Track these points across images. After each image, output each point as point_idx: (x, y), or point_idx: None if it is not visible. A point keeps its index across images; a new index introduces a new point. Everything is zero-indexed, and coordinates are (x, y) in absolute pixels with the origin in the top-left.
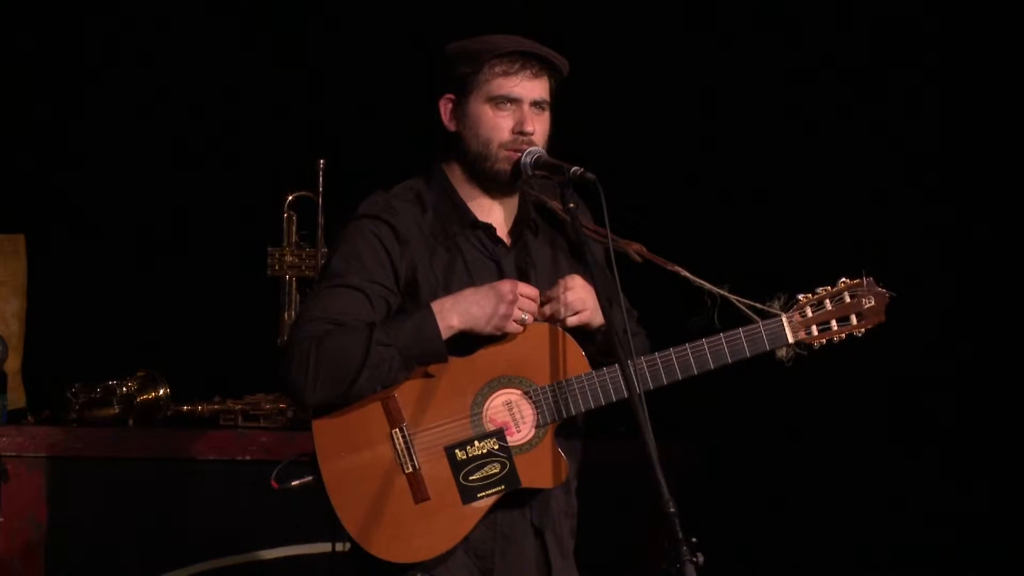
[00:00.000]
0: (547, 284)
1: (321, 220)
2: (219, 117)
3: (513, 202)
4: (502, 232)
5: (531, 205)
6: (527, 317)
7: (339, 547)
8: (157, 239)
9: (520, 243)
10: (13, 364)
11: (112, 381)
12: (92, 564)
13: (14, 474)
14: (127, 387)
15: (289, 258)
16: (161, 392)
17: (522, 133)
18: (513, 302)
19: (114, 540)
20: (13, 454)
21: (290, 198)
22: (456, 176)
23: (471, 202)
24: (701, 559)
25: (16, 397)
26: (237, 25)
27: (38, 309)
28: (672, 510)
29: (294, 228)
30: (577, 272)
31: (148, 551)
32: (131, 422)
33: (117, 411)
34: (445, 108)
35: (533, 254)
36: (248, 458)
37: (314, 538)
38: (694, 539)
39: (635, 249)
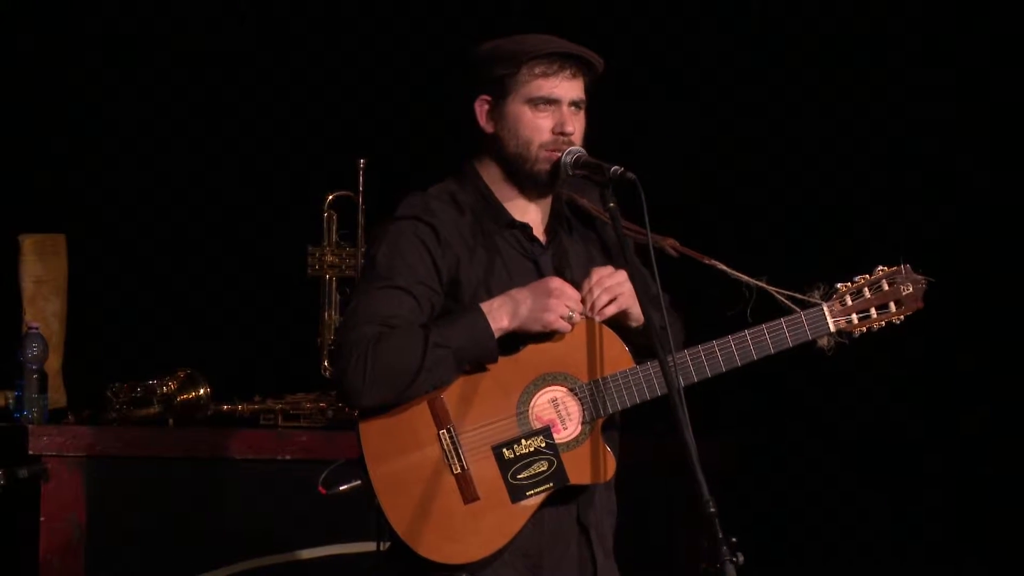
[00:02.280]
0: (583, 281)
1: (361, 220)
2: (259, 116)
3: (547, 201)
4: (538, 231)
5: (564, 203)
6: (575, 315)
7: (382, 546)
8: (197, 238)
9: (555, 242)
10: (54, 364)
11: (152, 380)
12: (132, 564)
13: (54, 474)
14: (167, 387)
15: (329, 258)
16: (201, 391)
17: (562, 134)
18: (559, 297)
19: (154, 540)
20: (54, 454)
21: (330, 197)
22: (491, 176)
23: (507, 202)
24: (741, 559)
25: (57, 397)
26: (278, 24)
27: (79, 308)
28: (712, 510)
29: (334, 227)
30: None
31: (188, 551)
32: (171, 422)
33: (157, 410)
34: (481, 109)
35: (569, 252)
36: (288, 458)
37: (353, 538)
38: (734, 539)
39: (670, 244)
